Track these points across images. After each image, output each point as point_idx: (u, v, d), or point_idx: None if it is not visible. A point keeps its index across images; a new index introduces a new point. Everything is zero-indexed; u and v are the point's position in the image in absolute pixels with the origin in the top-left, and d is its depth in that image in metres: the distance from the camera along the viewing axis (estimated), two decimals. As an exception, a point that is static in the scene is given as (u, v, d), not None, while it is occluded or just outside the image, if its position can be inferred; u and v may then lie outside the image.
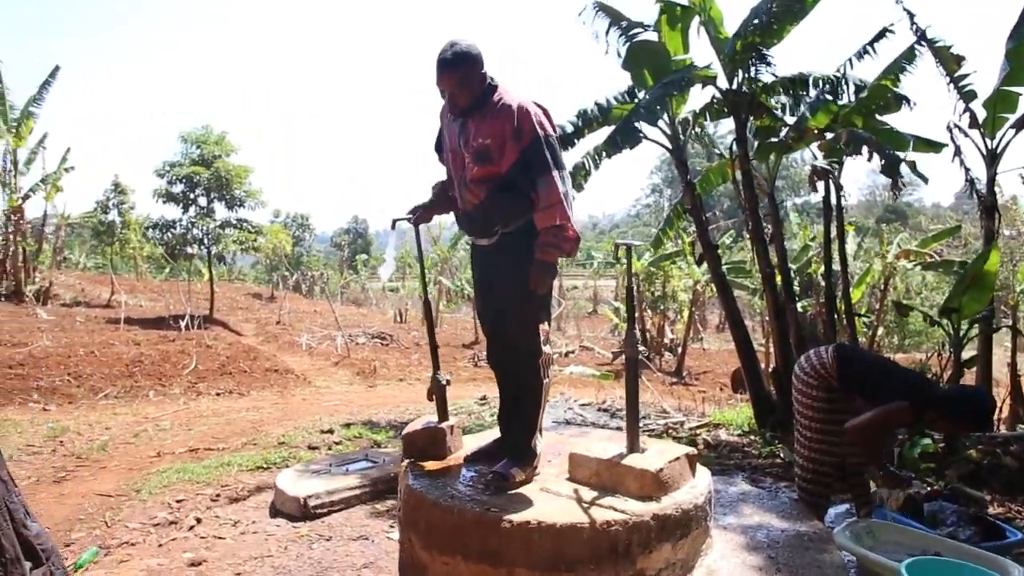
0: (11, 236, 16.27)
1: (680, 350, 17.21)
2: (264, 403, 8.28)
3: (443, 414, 2.91)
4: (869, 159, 5.89)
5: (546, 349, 2.66)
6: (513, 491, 2.47)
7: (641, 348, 2.50)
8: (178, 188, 15.53)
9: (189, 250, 16.72)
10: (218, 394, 8.74)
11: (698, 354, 19.81)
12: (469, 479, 2.60)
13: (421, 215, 2.90)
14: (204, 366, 9.79)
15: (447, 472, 2.69)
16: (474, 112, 2.58)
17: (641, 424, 7.27)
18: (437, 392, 2.91)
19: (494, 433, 2.93)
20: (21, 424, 6.56)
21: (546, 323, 2.67)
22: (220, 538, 3.60)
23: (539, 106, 2.58)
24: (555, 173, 2.48)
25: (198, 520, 3.86)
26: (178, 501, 4.26)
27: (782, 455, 5.85)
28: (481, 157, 2.55)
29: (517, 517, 2.23)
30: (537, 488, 2.51)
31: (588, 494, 2.41)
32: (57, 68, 16.88)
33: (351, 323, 17.30)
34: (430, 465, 2.76)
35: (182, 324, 13.51)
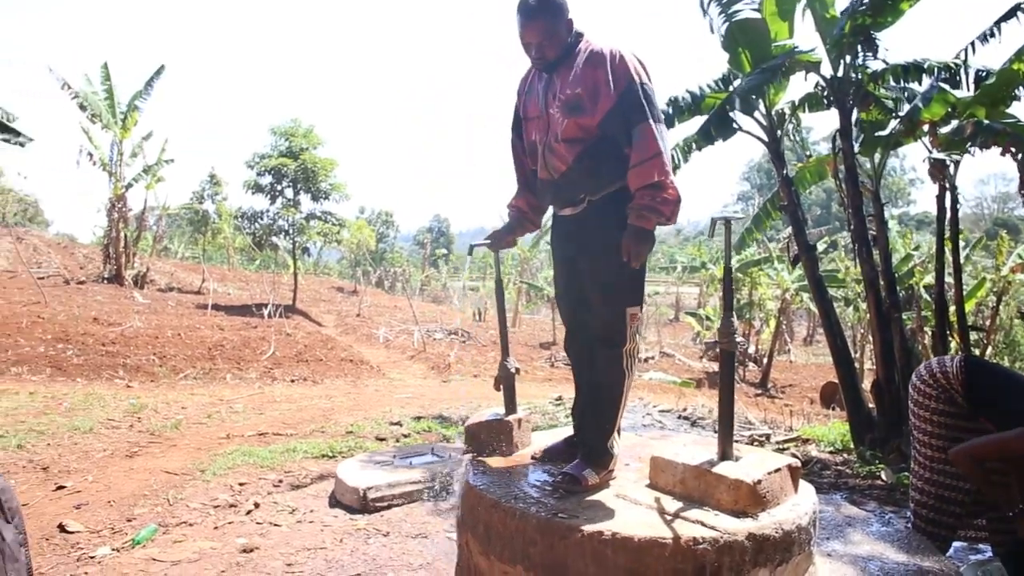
0: (115, 223, 17.12)
1: (766, 361, 16.40)
2: (337, 392, 8.26)
3: (511, 405, 2.64)
4: (1003, 153, 5.26)
5: (634, 339, 2.32)
6: (585, 496, 2.18)
7: (740, 339, 2.14)
8: (266, 180, 15.95)
9: (275, 240, 17.14)
10: (292, 381, 8.79)
11: (784, 366, 18.89)
12: (536, 479, 2.32)
13: (499, 240, 2.67)
14: (281, 353, 9.90)
15: (512, 470, 2.42)
16: (561, 64, 2.32)
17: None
18: (505, 381, 2.64)
19: (567, 431, 2.64)
20: (105, 398, 6.72)
21: (638, 308, 2.32)
22: (276, 525, 3.46)
23: (633, 55, 2.28)
24: (652, 124, 2.17)
25: (256, 505, 3.74)
26: (240, 484, 4.17)
27: (883, 476, 5.32)
28: (572, 108, 2.26)
29: (588, 526, 1.94)
30: (613, 494, 2.20)
31: (672, 504, 2.09)
32: (163, 67, 17.60)
33: (429, 319, 17.35)
34: (493, 461, 2.49)
35: (265, 312, 13.83)
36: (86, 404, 6.39)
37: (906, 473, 5.03)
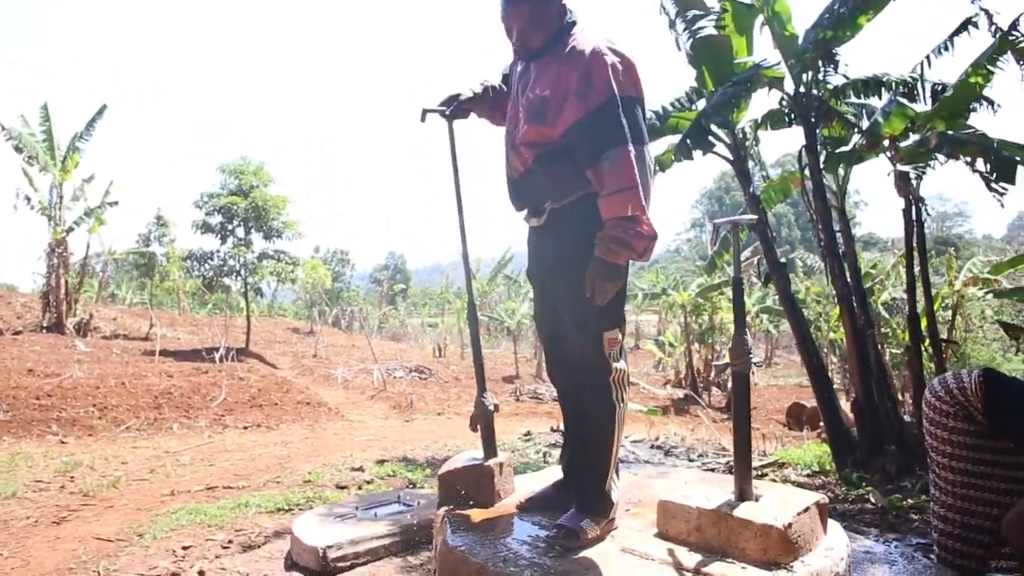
0: (55, 269, 16.29)
1: (730, 385, 16.31)
2: (293, 437, 7.77)
3: (490, 448, 2.32)
4: (972, 163, 5.21)
5: (619, 364, 2.04)
6: (586, 552, 1.86)
7: (756, 360, 1.86)
8: (216, 219, 15.43)
9: (227, 282, 16.55)
10: (245, 427, 8.26)
11: (748, 389, 18.84)
12: (526, 535, 2.00)
13: (457, 106, 2.30)
14: (233, 398, 9.35)
15: (497, 525, 2.09)
16: (544, 54, 2.04)
17: (700, 463, 6.58)
18: (483, 420, 2.32)
19: (554, 473, 2.32)
20: (34, 457, 6.14)
21: (616, 330, 2.04)
22: (224, 596, 3.04)
23: (620, 55, 1.98)
24: (630, 148, 1.87)
25: (201, 572, 3.30)
26: (184, 548, 3.71)
27: (872, 499, 5.11)
28: (534, 113, 1.99)
29: (595, 591, 1.62)
30: (618, 548, 1.89)
31: (689, 558, 1.79)
32: (104, 107, 16.99)
33: (388, 357, 16.88)
34: (474, 515, 2.16)
35: (216, 356, 13.21)
36: (11, 465, 5.80)
37: (897, 495, 4.83)
